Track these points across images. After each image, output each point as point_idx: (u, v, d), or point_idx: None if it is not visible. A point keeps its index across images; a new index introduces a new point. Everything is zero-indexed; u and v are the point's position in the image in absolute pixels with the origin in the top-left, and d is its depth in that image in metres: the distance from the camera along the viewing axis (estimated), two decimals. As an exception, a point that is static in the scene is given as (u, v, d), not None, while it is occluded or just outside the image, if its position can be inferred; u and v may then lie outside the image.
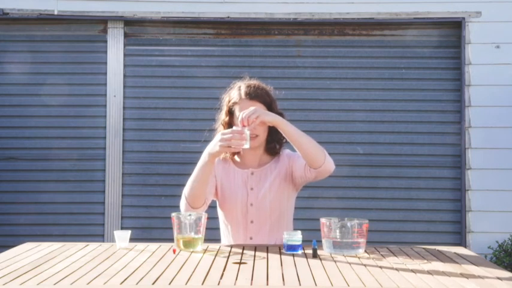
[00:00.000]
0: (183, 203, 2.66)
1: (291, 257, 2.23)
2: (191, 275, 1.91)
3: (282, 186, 2.74)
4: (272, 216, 2.71)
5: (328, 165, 2.61)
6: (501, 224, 5.23)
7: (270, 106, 2.72)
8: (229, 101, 2.75)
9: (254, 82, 2.77)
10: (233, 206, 2.73)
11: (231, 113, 2.75)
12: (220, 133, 2.52)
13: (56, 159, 5.48)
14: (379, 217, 5.33)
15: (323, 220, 2.32)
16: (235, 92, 2.74)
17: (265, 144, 2.78)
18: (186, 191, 2.65)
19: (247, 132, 2.47)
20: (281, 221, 2.74)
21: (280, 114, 2.74)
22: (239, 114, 2.66)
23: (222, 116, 2.79)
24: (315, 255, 2.24)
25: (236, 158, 2.81)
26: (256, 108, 2.55)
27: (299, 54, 5.55)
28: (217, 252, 2.33)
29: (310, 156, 2.59)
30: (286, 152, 2.81)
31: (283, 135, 2.63)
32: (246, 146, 2.46)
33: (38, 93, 5.50)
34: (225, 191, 2.76)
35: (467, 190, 5.30)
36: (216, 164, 2.74)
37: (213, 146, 2.54)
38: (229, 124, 2.75)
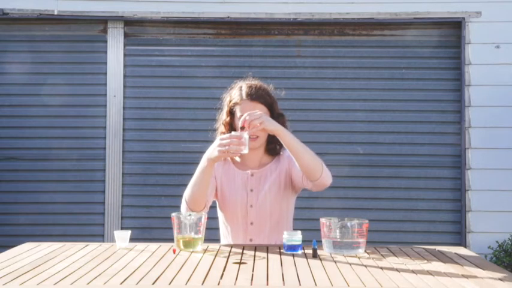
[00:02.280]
0: (183, 207, 2.65)
1: (291, 257, 2.23)
2: (191, 275, 1.91)
3: (282, 188, 2.73)
4: (272, 218, 2.70)
5: (325, 179, 2.58)
6: (501, 224, 5.23)
7: (271, 107, 2.72)
8: (230, 101, 2.75)
9: (255, 82, 2.76)
10: (233, 207, 2.72)
11: (232, 113, 2.74)
12: (219, 138, 2.51)
13: (56, 159, 5.48)
14: (379, 217, 5.33)
15: (323, 220, 2.31)
16: (237, 92, 2.73)
17: (265, 144, 2.77)
18: (186, 194, 2.64)
19: (246, 137, 2.45)
20: (281, 223, 2.73)
21: (281, 115, 2.74)
22: (240, 115, 2.66)
23: (223, 117, 2.78)
24: (315, 255, 2.24)
25: (236, 158, 2.80)
26: (262, 114, 2.53)
27: (299, 54, 5.55)
28: (217, 252, 2.33)
29: (307, 169, 2.57)
30: (287, 153, 2.78)
31: (283, 144, 2.60)
32: (245, 151, 2.45)
33: (38, 93, 5.50)
34: (225, 192, 2.75)
35: (467, 190, 5.30)
36: (216, 164, 2.75)
37: (211, 151, 2.53)
38: (230, 124, 2.74)
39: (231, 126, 2.75)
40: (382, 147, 5.47)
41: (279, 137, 2.57)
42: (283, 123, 2.74)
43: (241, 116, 2.66)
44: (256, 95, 2.69)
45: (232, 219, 2.75)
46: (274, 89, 2.81)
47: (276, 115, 2.72)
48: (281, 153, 2.80)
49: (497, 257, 5.02)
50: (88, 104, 5.51)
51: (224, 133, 2.77)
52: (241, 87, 2.74)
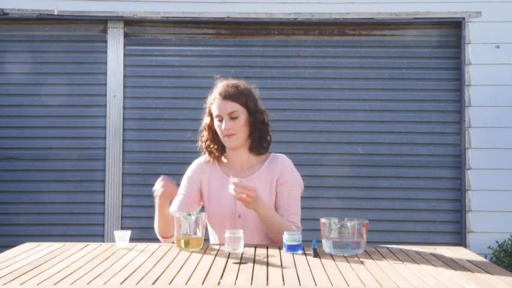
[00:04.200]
0: (159, 237, 2.68)
1: (291, 257, 2.23)
2: (191, 275, 1.91)
3: (272, 197, 2.66)
4: (261, 229, 2.62)
5: None
6: (501, 224, 5.23)
7: (246, 103, 2.64)
8: (209, 103, 2.72)
9: (232, 81, 2.71)
10: (220, 216, 2.66)
11: (211, 114, 2.71)
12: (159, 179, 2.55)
13: (56, 159, 5.48)
14: (379, 217, 5.33)
15: (323, 220, 2.31)
16: (213, 92, 2.71)
17: (248, 143, 2.70)
18: (155, 228, 2.66)
19: (241, 235, 2.32)
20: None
21: (260, 113, 2.68)
22: (216, 114, 2.64)
23: (205, 118, 2.75)
24: (315, 255, 2.24)
25: (223, 159, 2.75)
26: (256, 192, 2.45)
27: (299, 54, 5.55)
28: (217, 252, 2.33)
29: (272, 237, 2.59)
30: (281, 160, 2.71)
31: (258, 215, 2.54)
32: (240, 250, 2.30)
33: (38, 93, 5.50)
34: (212, 199, 2.69)
35: (467, 190, 5.30)
36: (202, 167, 2.73)
37: (155, 189, 2.55)
38: (210, 126, 2.71)
39: (210, 128, 2.71)
40: (382, 147, 5.47)
41: (257, 212, 2.52)
42: (260, 119, 2.68)
43: (217, 115, 2.64)
44: (227, 94, 2.64)
45: (219, 227, 2.66)
46: (255, 88, 2.76)
47: (253, 111, 2.66)
48: (272, 154, 2.74)
49: (497, 257, 5.02)
50: (88, 104, 5.51)
51: (205, 136, 2.74)
52: (218, 87, 2.71)
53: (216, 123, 2.67)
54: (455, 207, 5.40)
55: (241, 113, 2.64)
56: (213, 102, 2.68)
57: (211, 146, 2.72)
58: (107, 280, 1.85)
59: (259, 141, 2.69)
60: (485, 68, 5.36)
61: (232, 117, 2.63)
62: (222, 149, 2.73)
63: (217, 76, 2.79)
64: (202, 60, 5.55)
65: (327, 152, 5.43)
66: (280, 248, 2.40)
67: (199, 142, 2.79)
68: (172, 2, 5.45)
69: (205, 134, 2.75)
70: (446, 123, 5.47)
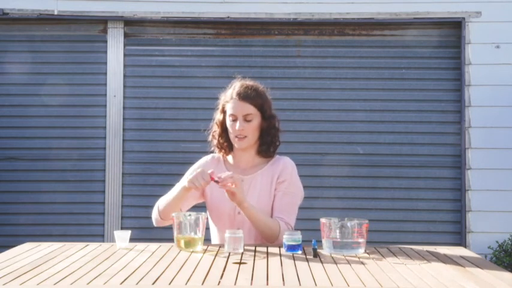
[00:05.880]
0: (155, 214, 2.70)
1: (291, 257, 2.23)
2: (191, 275, 1.91)
3: (273, 195, 2.69)
4: None
5: (281, 242, 2.54)
6: (501, 224, 5.23)
7: (262, 108, 2.69)
8: (223, 100, 2.75)
9: (250, 83, 2.74)
10: (221, 212, 2.70)
11: (224, 112, 2.74)
12: (200, 170, 2.53)
13: (56, 159, 5.48)
14: (379, 217, 5.33)
15: (323, 220, 2.31)
16: (230, 91, 2.73)
17: (257, 146, 2.74)
18: (160, 204, 2.67)
19: (241, 235, 2.33)
20: None
21: (272, 117, 2.72)
22: (230, 113, 2.67)
23: (217, 115, 2.78)
24: (315, 255, 2.24)
25: (229, 159, 2.79)
26: (239, 180, 2.49)
27: (299, 54, 5.55)
28: (217, 252, 2.33)
29: (262, 235, 2.61)
30: (284, 161, 2.74)
31: (245, 214, 2.57)
32: (240, 250, 2.31)
33: (38, 93, 5.50)
34: (215, 195, 2.71)
35: (467, 190, 5.30)
36: (208, 164, 2.75)
37: (191, 177, 2.52)
38: (222, 123, 2.74)
39: (223, 125, 2.74)
40: (382, 147, 5.47)
41: (241, 209, 2.55)
42: (273, 124, 2.72)
43: (232, 114, 2.66)
44: (245, 95, 2.67)
45: (220, 222, 2.72)
46: (269, 89, 2.79)
47: (267, 116, 2.70)
48: (277, 156, 2.77)
49: (497, 257, 5.02)
50: (88, 104, 5.51)
51: (216, 132, 2.77)
52: (234, 86, 2.73)
53: (229, 122, 2.69)
54: (455, 207, 5.40)
55: (256, 116, 2.68)
56: (229, 101, 2.70)
57: (222, 142, 2.76)
58: (107, 280, 1.85)
59: (269, 145, 2.73)
60: (485, 68, 5.36)
61: (247, 120, 2.66)
62: (230, 147, 2.77)
63: (238, 76, 2.81)
64: (202, 60, 5.55)
65: (327, 152, 5.43)
66: (280, 248, 2.40)
67: (210, 137, 2.81)
68: (172, 2, 5.46)
69: (217, 130, 2.77)
70: (446, 123, 5.47)
